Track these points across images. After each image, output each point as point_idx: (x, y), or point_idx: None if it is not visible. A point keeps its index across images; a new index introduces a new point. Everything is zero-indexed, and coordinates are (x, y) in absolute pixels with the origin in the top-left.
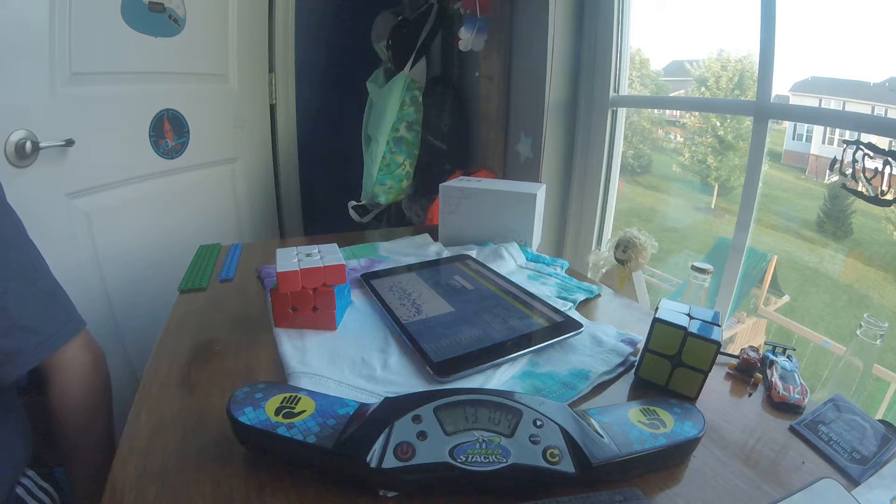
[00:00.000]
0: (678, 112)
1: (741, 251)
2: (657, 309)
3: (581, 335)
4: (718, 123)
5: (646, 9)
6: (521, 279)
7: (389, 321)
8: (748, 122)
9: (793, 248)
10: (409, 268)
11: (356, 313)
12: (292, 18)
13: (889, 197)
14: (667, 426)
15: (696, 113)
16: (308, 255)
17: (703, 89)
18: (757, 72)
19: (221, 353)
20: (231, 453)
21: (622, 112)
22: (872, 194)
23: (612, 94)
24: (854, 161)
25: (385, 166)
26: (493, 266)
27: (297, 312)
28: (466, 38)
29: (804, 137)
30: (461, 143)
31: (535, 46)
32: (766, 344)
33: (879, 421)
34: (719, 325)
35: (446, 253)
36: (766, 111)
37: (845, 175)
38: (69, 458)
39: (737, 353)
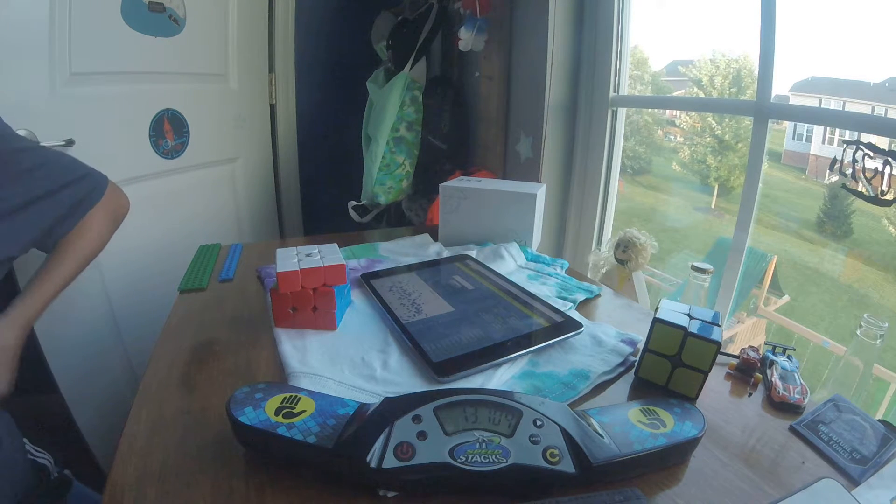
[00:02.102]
0: (678, 112)
1: (741, 251)
2: (657, 309)
3: (581, 335)
4: (715, 123)
5: (646, 8)
6: (521, 279)
7: (389, 321)
8: (746, 121)
9: (793, 248)
10: (409, 268)
11: (356, 313)
12: (292, 18)
13: (889, 197)
14: (667, 426)
15: (694, 113)
16: (308, 255)
17: (695, 89)
18: (754, 71)
19: (221, 353)
20: (231, 453)
21: (622, 112)
22: (872, 194)
23: (612, 94)
24: (854, 161)
25: (385, 166)
26: (493, 266)
27: (297, 312)
28: (466, 38)
29: (804, 137)
30: (461, 143)
31: (535, 46)
32: (766, 344)
33: (879, 421)
34: (719, 326)
35: (446, 253)
36: (766, 111)
37: (845, 175)
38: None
39: (737, 353)
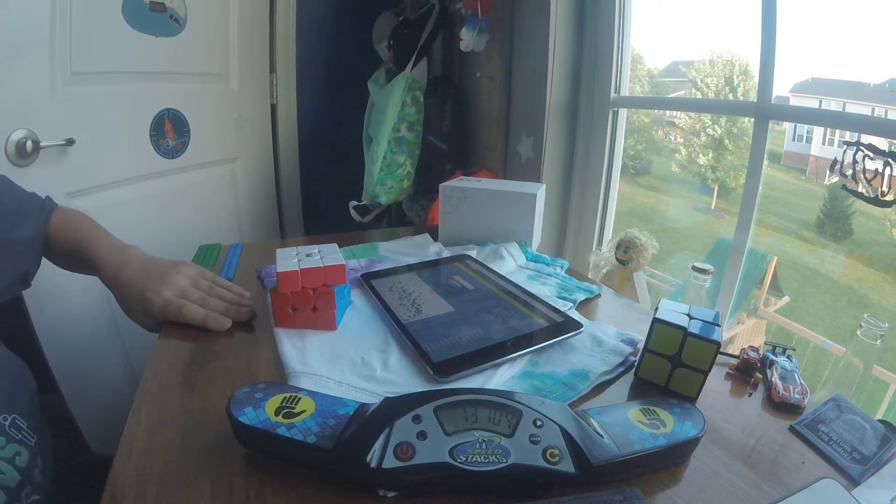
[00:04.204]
0: (677, 112)
1: (741, 252)
2: (657, 309)
3: (581, 335)
4: (710, 122)
5: (646, 8)
6: (521, 279)
7: (389, 321)
8: (742, 120)
9: (793, 249)
10: (409, 268)
11: (356, 313)
12: (293, 18)
13: (889, 198)
14: (667, 426)
15: (693, 113)
16: (308, 255)
17: (693, 90)
18: (747, 68)
19: (221, 353)
20: (231, 453)
21: (623, 112)
22: (872, 195)
23: (612, 94)
24: (854, 162)
25: (386, 166)
26: (493, 266)
27: (297, 312)
28: (468, 39)
29: (804, 138)
30: (462, 143)
31: (536, 47)
32: (766, 344)
33: (879, 421)
34: (719, 326)
35: (446, 253)
36: (766, 112)
37: (845, 176)
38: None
39: (737, 353)
